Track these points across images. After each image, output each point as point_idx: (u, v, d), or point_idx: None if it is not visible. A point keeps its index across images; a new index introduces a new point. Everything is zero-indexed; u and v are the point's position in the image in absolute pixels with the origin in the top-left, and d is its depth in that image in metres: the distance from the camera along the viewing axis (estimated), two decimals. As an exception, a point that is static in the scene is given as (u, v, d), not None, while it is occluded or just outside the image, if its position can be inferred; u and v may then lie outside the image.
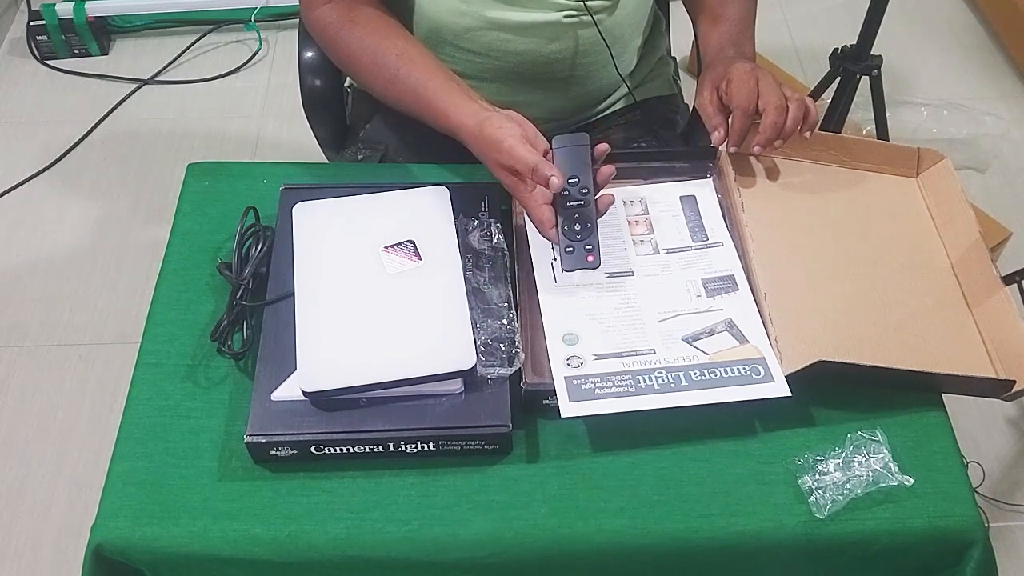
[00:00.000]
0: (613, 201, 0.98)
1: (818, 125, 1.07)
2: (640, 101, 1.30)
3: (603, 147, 0.97)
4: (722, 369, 0.91)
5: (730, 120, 1.05)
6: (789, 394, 0.90)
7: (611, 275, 1.00)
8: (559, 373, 0.91)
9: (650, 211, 1.06)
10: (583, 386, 0.90)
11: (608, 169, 0.97)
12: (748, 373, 0.91)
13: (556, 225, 0.95)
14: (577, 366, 0.91)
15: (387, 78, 1.08)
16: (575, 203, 0.96)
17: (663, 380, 0.90)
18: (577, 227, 0.96)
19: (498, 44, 1.13)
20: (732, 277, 0.99)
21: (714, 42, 1.18)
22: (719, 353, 0.93)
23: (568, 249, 0.96)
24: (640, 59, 1.28)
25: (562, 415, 0.88)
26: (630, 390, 0.90)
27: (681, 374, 0.91)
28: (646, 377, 0.91)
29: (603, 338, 0.94)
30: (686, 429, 0.92)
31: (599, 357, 0.92)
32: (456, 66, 1.15)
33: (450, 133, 1.03)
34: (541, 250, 1.01)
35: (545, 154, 0.96)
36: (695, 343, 0.94)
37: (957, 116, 2.24)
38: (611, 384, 0.90)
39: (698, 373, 0.91)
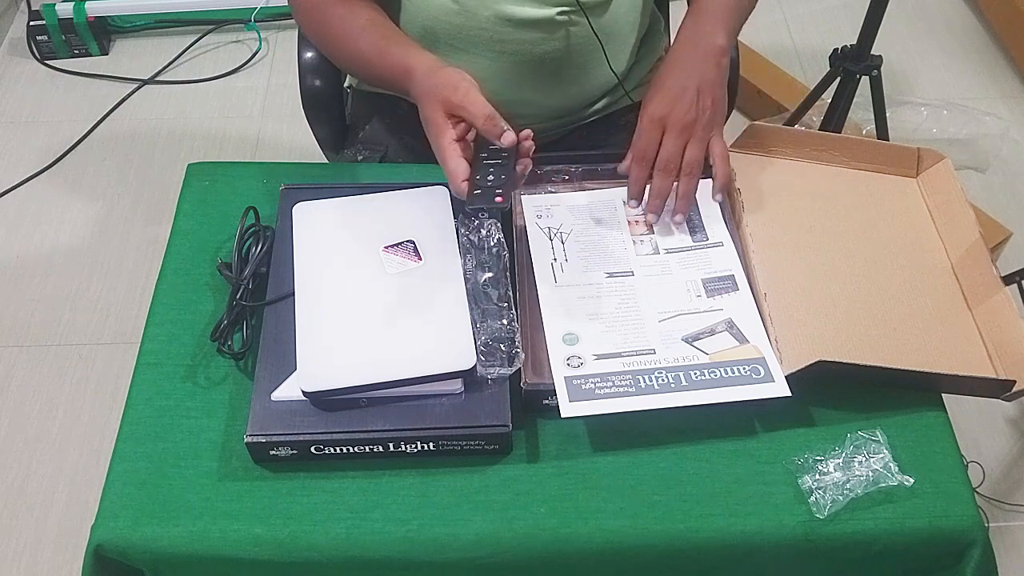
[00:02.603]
0: (530, 166, 0.95)
1: (725, 190, 1.06)
2: (638, 102, 1.30)
3: (527, 132, 0.96)
4: (722, 369, 0.91)
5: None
6: (789, 394, 0.90)
7: (611, 275, 1.00)
8: (559, 373, 0.91)
9: (646, 216, 1.05)
10: (583, 386, 0.90)
11: (529, 144, 0.95)
12: (748, 373, 0.91)
13: (469, 180, 0.92)
14: (577, 366, 0.91)
15: (351, 40, 1.09)
16: (492, 161, 0.93)
17: (663, 380, 0.90)
18: (491, 178, 0.92)
19: (492, 43, 1.13)
20: (732, 277, 0.99)
21: (678, 36, 1.11)
22: (719, 353, 0.93)
23: (476, 191, 0.91)
24: (638, 59, 1.28)
25: (562, 415, 0.88)
26: (630, 390, 0.90)
27: (681, 374, 0.91)
28: (646, 377, 0.91)
29: (603, 338, 0.94)
30: (686, 429, 0.92)
31: (599, 357, 0.92)
32: (450, 65, 1.15)
33: (404, 80, 1.01)
34: (541, 250, 1.01)
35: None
36: (695, 343, 0.94)
37: (957, 116, 2.24)
38: (611, 384, 0.90)
39: (698, 373, 0.91)
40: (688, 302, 0.97)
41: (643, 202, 1.05)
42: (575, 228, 1.05)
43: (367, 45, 1.08)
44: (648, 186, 1.05)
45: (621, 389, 0.90)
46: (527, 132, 0.96)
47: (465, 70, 0.96)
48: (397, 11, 1.15)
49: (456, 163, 0.93)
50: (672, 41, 1.14)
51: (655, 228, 1.04)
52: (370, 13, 1.09)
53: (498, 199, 0.90)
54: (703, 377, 0.91)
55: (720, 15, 1.11)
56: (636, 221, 1.05)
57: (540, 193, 1.08)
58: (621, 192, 1.06)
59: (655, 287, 0.99)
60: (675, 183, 1.04)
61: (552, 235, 1.04)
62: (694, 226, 1.05)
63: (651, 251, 1.02)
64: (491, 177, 0.92)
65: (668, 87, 1.06)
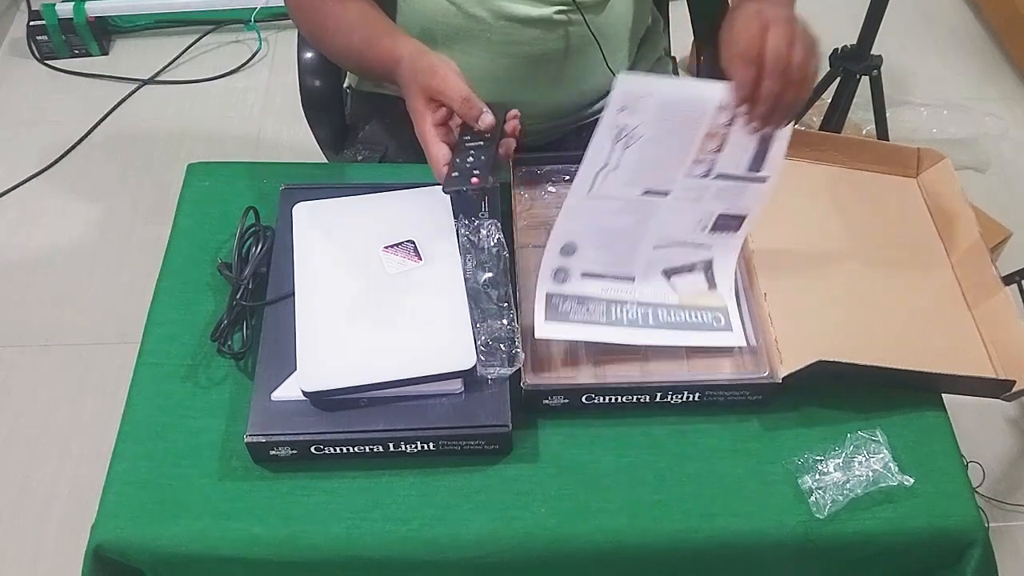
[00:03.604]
0: (514, 146, 0.93)
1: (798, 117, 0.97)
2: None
3: (515, 111, 0.95)
4: (687, 312, 0.96)
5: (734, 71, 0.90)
6: (744, 344, 0.94)
7: (648, 192, 0.95)
8: (543, 287, 0.95)
9: (749, 125, 0.92)
10: (560, 307, 0.95)
11: (515, 123, 0.94)
12: (711, 321, 0.96)
13: (449, 164, 0.91)
14: (562, 281, 0.96)
15: (343, 32, 1.09)
16: (474, 144, 0.92)
17: (632, 315, 0.96)
18: (471, 159, 0.90)
19: (490, 43, 1.13)
20: (742, 219, 0.97)
21: (740, 10, 0.95)
22: (688, 296, 0.98)
23: (454, 174, 0.90)
24: (637, 59, 1.28)
25: (536, 336, 0.92)
26: (601, 320, 0.95)
27: (650, 311, 0.96)
28: (618, 309, 0.96)
29: (596, 254, 0.97)
30: (686, 429, 0.92)
31: (585, 275, 0.97)
32: None
33: (392, 69, 1.00)
34: (596, 154, 0.92)
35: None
36: (672, 277, 0.98)
37: (957, 116, 2.24)
38: (586, 310, 0.95)
39: (665, 313, 0.96)
40: (690, 233, 0.98)
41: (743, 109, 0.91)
42: (648, 134, 0.93)
43: (358, 39, 1.07)
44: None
45: (594, 317, 0.95)
46: (514, 112, 0.95)
47: (464, 70, 0.95)
48: (394, 12, 1.15)
49: (436, 148, 0.92)
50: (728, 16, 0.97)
51: (726, 147, 0.93)
52: (362, 7, 1.09)
53: (473, 180, 0.89)
54: (669, 319, 0.96)
55: None
56: (714, 134, 0.93)
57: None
58: (721, 91, 0.91)
59: (675, 212, 0.97)
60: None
61: (620, 137, 0.93)
62: (760, 152, 0.95)
63: (702, 173, 0.94)
64: (471, 159, 0.90)
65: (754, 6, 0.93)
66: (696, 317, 0.96)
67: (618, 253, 0.97)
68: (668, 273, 0.98)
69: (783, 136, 0.95)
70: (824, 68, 1.84)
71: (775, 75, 0.88)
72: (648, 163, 0.95)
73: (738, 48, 0.89)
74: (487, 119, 0.91)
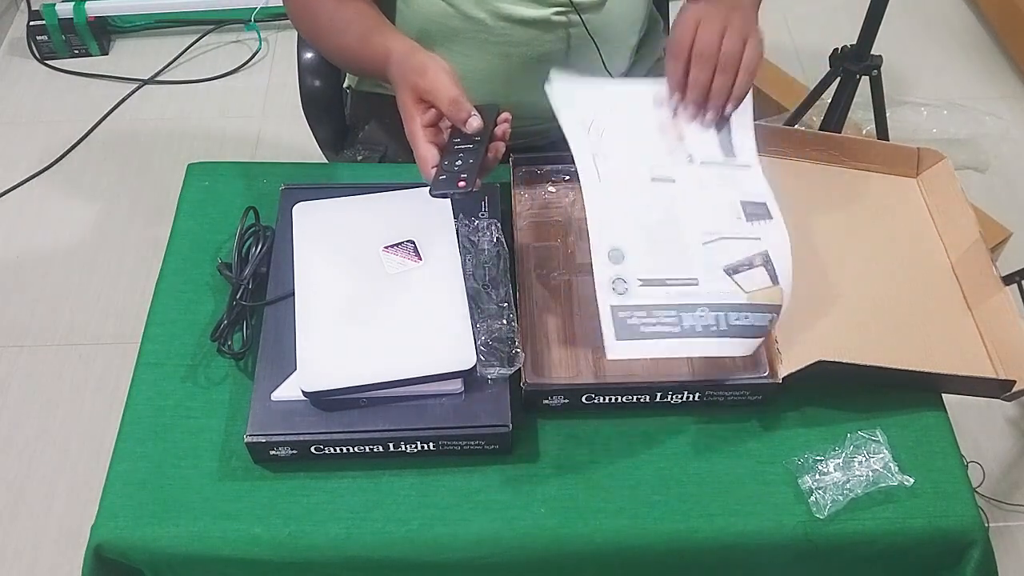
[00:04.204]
0: (503, 151, 0.92)
1: (746, 98, 0.99)
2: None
3: (506, 115, 0.94)
4: (755, 313, 0.90)
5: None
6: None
7: (655, 179, 0.95)
8: (605, 301, 0.87)
9: (682, 110, 0.99)
10: (629, 320, 0.87)
11: (504, 126, 0.93)
12: (772, 323, 0.90)
13: (438, 166, 0.89)
14: (623, 292, 0.88)
15: (339, 30, 1.08)
16: (463, 146, 0.90)
17: (706, 322, 0.88)
18: (459, 163, 0.88)
19: (488, 44, 1.13)
20: (765, 205, 0.97)
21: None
22: (755, 293, 0.91)
23: (441, 176, 0.88)
24: (636, 60, 1.28)
25: (608, 357, 0.86)
26: (674, 330, 0.87)
27: (722, 316, 0.89)
28: (689, 315, 0.88)
29: (647, 259, 0.91)
30: (686, 429, 0.92)
31: (644, 283, 0.89)
32: None
33: (384, 67, 1.00)
34: (579, 140, 0.95)
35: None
36: (735, 276, 0.92)
37: (957, 116, 2.24)
38: (656, 321, 0.87)
39: (737, 316, 0.89)
40: (730, 225, 0.94)
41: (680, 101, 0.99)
42: (610, 122, 0.98)
43: (352, 37, 1.06)
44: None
45: (666, 328, 0.87)
46: (505, 115, 0.93)
47: (462, 71, 0.95)
48: (393, 14, 1.15)
49: (425, 149, 0.90)
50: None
51: (686, 135, 0.98)
52: (359, 6, 1.09)
53: (460, 183, 0.86)
54: (739, 322, 0.89)
55: None
56: (666, 127, 0.99)
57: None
58: (652, 88, 1.00)
59: (697, 201, 0.95)
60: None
61: (588, 128, 0.97)
62: (723, 139, 0.99)
63: (686, 160, 0.97)
64: (459, 162, 0.88)
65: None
66: (762, 319, 0.90)
67: (669, 255, 0.92)
68: (730, 271, 0.92)
69: (742, 124, 0.99)
70: (824, 68, 1.84)
71: (701, 63, 0.96)
72: (632, 150, 0.97)
73: (670, 43, 0.98)
74: (474, 123, 0.89)
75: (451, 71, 0.92)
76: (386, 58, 0.99)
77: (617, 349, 0.86)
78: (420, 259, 0.98)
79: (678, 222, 0.94)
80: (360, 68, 1.09)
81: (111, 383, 1.84)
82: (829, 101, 1.87)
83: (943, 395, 0.95)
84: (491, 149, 0.91)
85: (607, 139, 0.97)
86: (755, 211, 0.96)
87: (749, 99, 1.00)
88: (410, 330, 0.92)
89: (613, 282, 0.89)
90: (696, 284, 0.90)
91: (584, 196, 0.93)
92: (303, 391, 0.88)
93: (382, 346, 0.91)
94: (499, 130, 0.92)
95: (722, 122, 0.99)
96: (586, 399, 0.92)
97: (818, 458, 0.89)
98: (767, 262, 0.93)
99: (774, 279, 0.92)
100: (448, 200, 1.02)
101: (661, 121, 0.99)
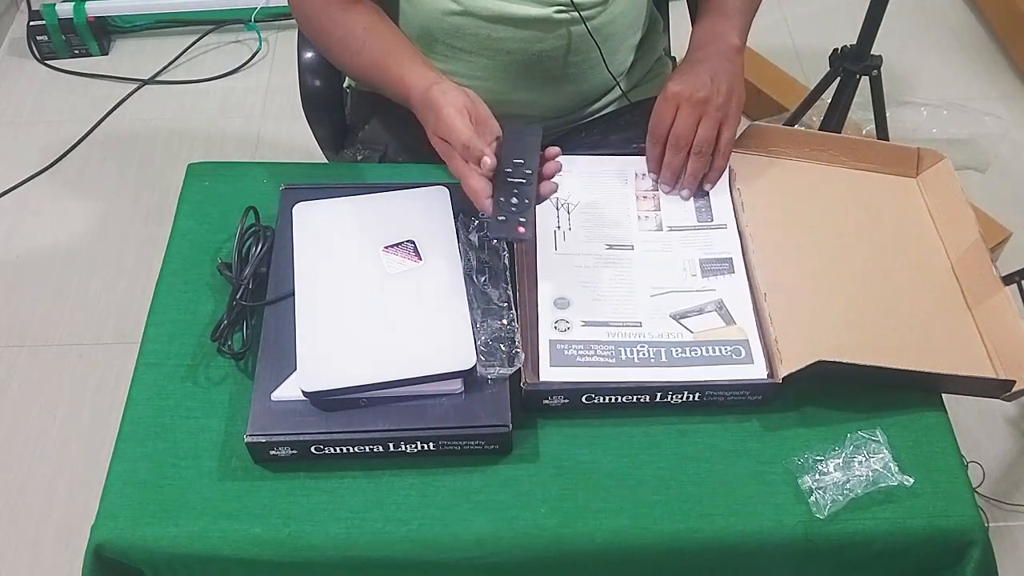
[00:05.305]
0: (556, 190, 0.95)
1: (718, 177, 1.08)
2: (638, 102, 1.30)
3: (555, 150, 0.95)
4: (704, 348, 0.92)
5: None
6: (764, 376, 0.90)
7: (611, 247, 1.01)
8: (545, 336, 0.92)
9: (660, 188, 1.08)
10: (566, 351, 0.91)
11: (555, 165, 0.94)
12: (729, 353, 0.92)
13: (492, 196, 0.92)
14: (564, 330, 0.93)
15: (354, 50, 1.09)
16: (516, 180, 0.92)
17: (644, 354, 0.91)
18: (514, 201, 0.91)
19: (489, 42, 1.13)
20: (730, 260, 1.00)
21: (693, 39, 1.16)
22: (704, 333, 0.94)
23: (500, 218, 0.91)
24: (636, 59, 1.28)
25: (541, 378, 0.89)
26: (611, 360, 0.91)
27: (663, 350, 0.92)
28: (628, 349, 0.92)
29: (593, 306, 0.95)
30: (686, 429, 0.92)
31: (587, 324, 0.93)
32: (448, 65, 1.15)
33: (404, 100, 1.03)
34: (546, 217, 1.02)
35: (496, 139, 0.95)
36: (682, 320, 0.95)
37: (957, 116, 2.24)
38: (593, 353, 0.91)
39: (680, 350, 0.92)
40: (683, 280, 0.98)
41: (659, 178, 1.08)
42: (583, 199, 1.06)
43: (367, 60, 1.08)
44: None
45: (603, 359, 0.91)
46: (554, 150, 0.95)
47: (463, 70, 0.95)
48: (395, 11, 1.15)
49: (476, 182, 0.92)
50: (688, 44, 1.16)
51: (663, 205, 1.06)
52: (369, 18, 1.09)
53: (520, 229, 0.90)
54: (684, 355, 0.92)
55: (733, 17, 1.14)
56: (645, 196, 1.07)
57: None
58: (635, 163, 1.09)
59: (653, 263, 1.00)
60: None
61: (559, 205, 1.05)
62: (701, 206, 1.06)
63: (655, 227, 1.03)
64: (514, 200, 0.91)
65: (684, 71, 1.09)
66: (713, 351, 0.92)
67: (615, 303, 0.96)
68: (677, 317, 0.95)
69: (719, 191, 1.07)
70: (824, 68, 1.84)
71: (675, 150, 1.06)
72: (597, 221, 1.03)
73: (650, 125, 1.07)
74: (488, 163, 0.90)
75: (462, 108, 0.94)
76: (406, 92, 1.01)
77: (550, 373, 0.90)
78: (420, 259, 0.98)
79: (629, 280, 0.98)
80: (380, 90, 1.10)
81: (111, 383, 1.84)
82: (829, 101, 1.87)
83: (943, 395, 0.95)
84: (543, 188, 0.94)
85: (576, 214, 1.04)
86: (715, 267, 1.00)
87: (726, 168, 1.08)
88: (410, 330, 0.92)
89: (555, 322, 0.93)
90: (639, 326, 0.94)
91: (537, 259, 0.99)
92: (303, 391, 0.88)
93: (382, 346, 0.91)
94: (548, 169, 0.94)
95: (700, 192, 1.07)
96: (586, 399, 0.92)
97: (818, 458, 0.89)
98: (720, 308, 0.96)
99: (728, 321, 0.95)
100: (448, 200, 1.03)
101: (640, 193, 1.07)
